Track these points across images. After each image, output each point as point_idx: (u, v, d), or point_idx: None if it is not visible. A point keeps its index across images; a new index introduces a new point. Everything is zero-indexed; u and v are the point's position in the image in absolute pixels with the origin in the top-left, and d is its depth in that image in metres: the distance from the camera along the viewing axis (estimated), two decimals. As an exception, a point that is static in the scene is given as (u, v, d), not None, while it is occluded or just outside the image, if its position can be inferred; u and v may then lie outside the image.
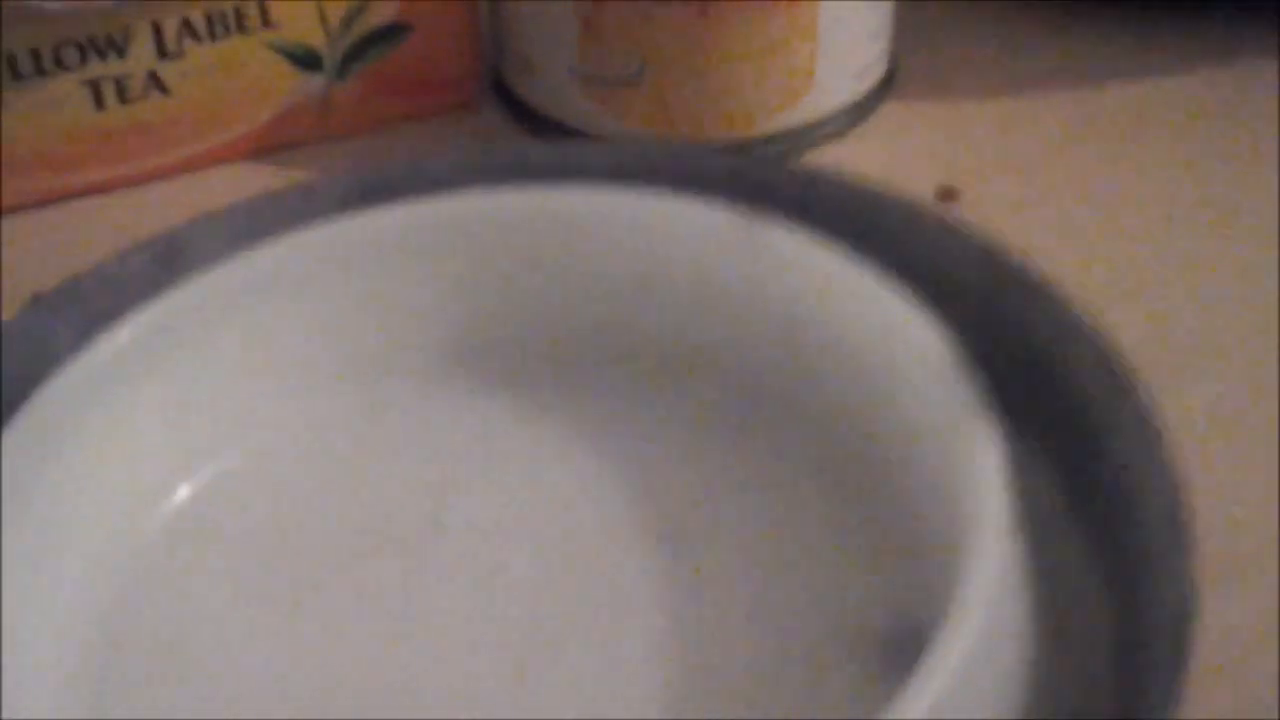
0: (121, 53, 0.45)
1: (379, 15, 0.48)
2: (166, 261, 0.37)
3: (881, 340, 0.31)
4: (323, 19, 0.47)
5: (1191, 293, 0.43)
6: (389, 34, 0.49)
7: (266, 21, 0.47)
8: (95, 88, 0.46)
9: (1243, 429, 0.38)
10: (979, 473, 0.27)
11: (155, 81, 0.46)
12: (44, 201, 0.47)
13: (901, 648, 0.29)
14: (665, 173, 0.36)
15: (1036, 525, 0.29)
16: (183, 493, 0.34)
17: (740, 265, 0.33)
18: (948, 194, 0.47)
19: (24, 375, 0.34)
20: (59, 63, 0.45)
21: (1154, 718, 0.25)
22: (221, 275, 0.34)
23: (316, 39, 0.48)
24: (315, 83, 0.49)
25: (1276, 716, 0.32)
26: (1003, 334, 0.33)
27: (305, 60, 0.48)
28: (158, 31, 0.45)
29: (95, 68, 0.45)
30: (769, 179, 0.36)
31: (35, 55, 0.44)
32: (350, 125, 0.49)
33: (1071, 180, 0.47)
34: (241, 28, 0.46)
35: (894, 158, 0.49)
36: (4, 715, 0.28)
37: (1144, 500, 0.28)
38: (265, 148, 0.49)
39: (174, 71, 0.46)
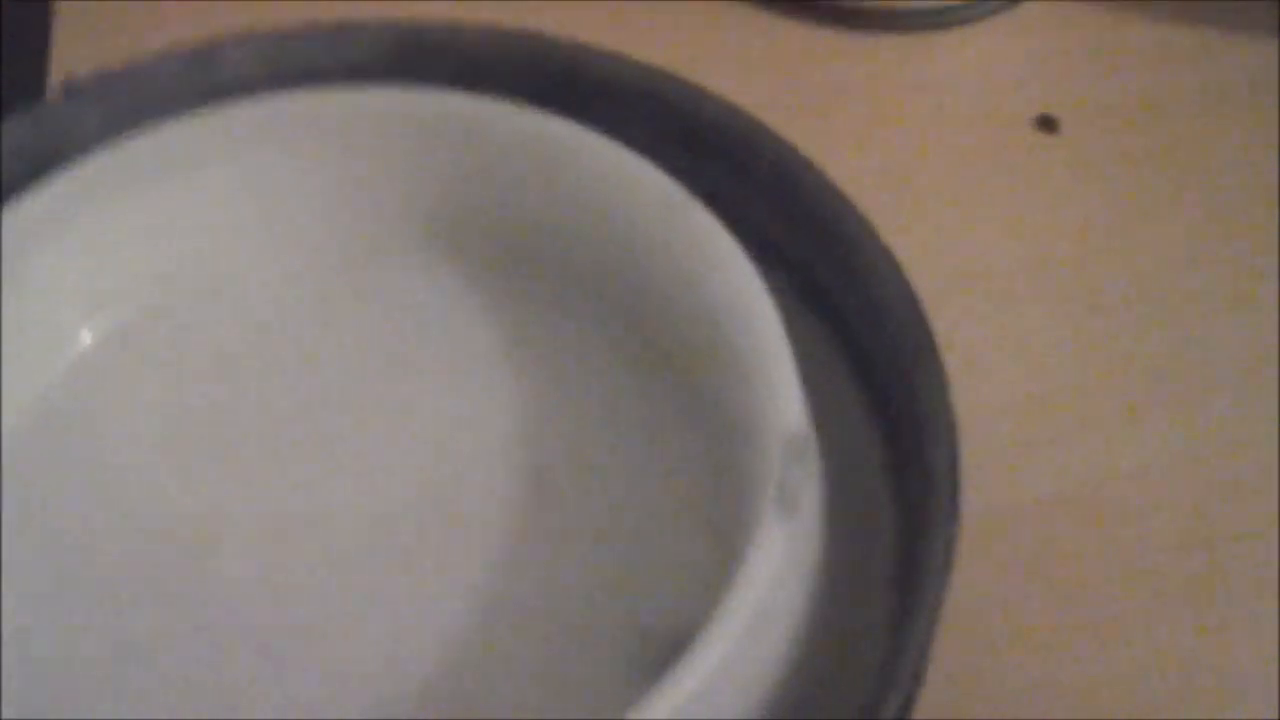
0: None
1: None
2: (200, 69, 0.35)
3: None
4: None
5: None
6: None
7: None
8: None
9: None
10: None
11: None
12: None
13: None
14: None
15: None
16: (85, 338, 0.33)
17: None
18: (1046, 123, 0.43)
19: (49, 156, 0.33)
20: None
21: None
22: (150, 141, 0.33)
23: None
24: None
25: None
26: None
27: None
28: None
29: None
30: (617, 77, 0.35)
31: None
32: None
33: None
34: None
35: (1010, 63, 0.46)
36: None
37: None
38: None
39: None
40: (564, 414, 0.31)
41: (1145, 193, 0.42)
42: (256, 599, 0.29)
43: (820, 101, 0.44)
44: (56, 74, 0.44)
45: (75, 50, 0.45)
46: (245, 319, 0.33)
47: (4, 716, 0.28)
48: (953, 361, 0.29)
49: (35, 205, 0.31)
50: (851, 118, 0.44)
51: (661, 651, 0.26)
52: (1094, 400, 0.38)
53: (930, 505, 0.27)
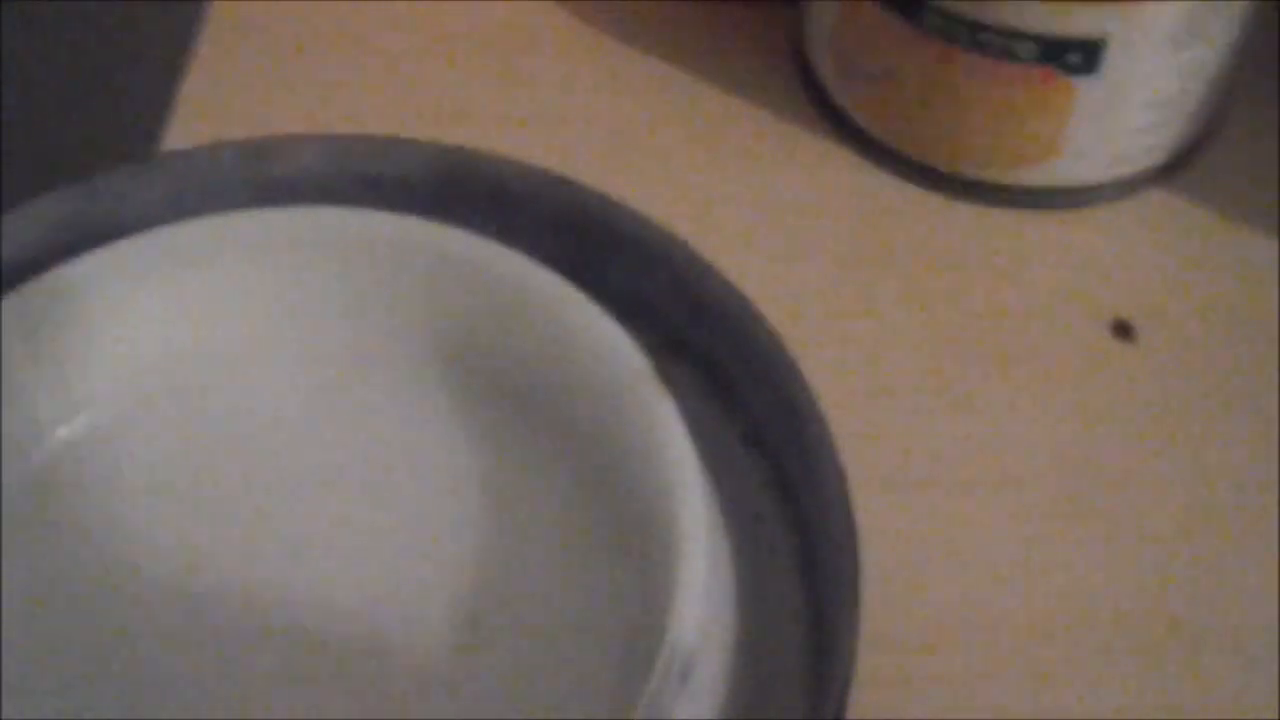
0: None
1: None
2: (258, 162, 0.36)
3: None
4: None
5: None
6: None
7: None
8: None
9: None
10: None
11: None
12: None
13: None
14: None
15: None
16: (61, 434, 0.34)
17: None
18: (1122, 328, 0.42)
19: (103, 228, 0.35)
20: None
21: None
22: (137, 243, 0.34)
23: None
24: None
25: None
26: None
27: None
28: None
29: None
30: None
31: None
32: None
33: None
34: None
35: (1108, 255, 0.44)
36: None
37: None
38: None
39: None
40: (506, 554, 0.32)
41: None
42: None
43: (902, 260, 0.44)
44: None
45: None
46: (235, 412, 0.34)
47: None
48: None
49: (45, 287, 0.33)
50: (931, 282, 0.43)
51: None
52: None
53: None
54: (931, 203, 0.45)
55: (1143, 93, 0.42)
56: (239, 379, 0.34)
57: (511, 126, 0.47)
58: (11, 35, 0.49)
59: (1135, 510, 0.39)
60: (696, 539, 0.28)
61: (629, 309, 0.35)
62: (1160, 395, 0.41)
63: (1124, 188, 0.45)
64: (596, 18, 0.50)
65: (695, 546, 0.28)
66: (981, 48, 0.41)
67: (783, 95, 0.48)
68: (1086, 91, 0.41)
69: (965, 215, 0.45)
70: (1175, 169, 0.45)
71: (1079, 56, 0.40)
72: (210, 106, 0.47)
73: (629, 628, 0.29)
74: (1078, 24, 0.39)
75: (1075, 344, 0.42)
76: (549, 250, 0.35)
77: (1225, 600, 0.37)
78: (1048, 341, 0.42)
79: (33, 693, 0.30)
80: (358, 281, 0.34)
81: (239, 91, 0.48)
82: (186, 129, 0.46)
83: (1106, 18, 0.39)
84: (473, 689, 0.29)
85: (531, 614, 0.30)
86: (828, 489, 0.29)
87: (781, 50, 0.49)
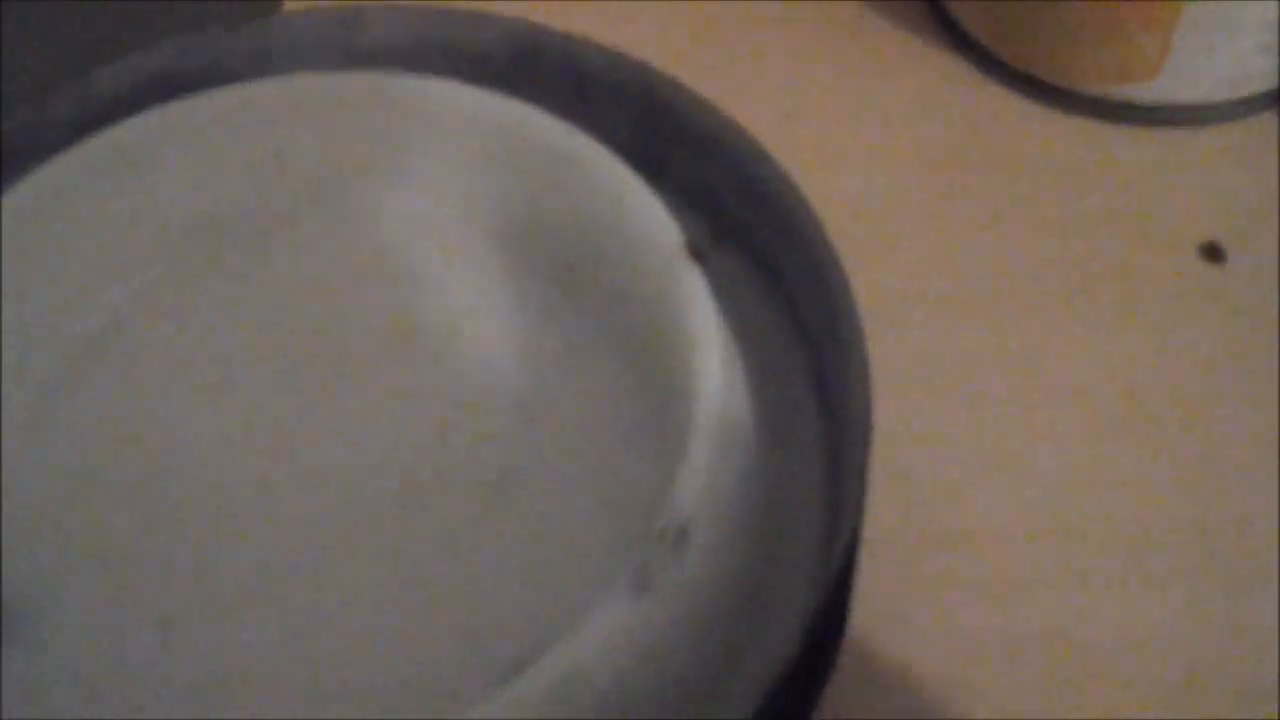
0: None
1: None
2: (345, 28, 0.37)
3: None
4: None
5: None
6: None
7: None
8: None
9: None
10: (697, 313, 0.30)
11: None
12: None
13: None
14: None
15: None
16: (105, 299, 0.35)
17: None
18: (1211, 250, 0.41)
19: (189, 86, 0.37)
20: None
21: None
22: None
23: None
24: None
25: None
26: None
27: None
28: None
29: None
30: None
31: None
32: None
33: None
34: None
35: (1208, 177, 0.43)
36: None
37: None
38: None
39: None
40: (537, 421, 0.32)
41: None
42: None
43: (997, 168, 0.43)
44: None
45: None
46: (281, 271, 0.35)
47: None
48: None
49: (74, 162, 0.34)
50: (1022, 191, 0.43)
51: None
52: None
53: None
54: (1035, 113, 0.44)
55: (1256, 13, 0.40)
56: (288, 239, 0.35)
57: (626, 12, 0.48)
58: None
59: (1199, 432, 0.38)
60: (709, 414, 0.28)
61: (689, 194, 0.35)
62: (1240, 321, 0.40)
63: (1236, 110, 0.43)
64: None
65: (707, 421, 0.28)
66: (1088, -44, 0.40)
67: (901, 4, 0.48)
68: (1195, 8, 0.40)
69: (1068, 128, 0.44)
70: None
71: (1188, -30, 0.39)
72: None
73: (646, 493, 0.30)
74: (1187, -65, 0.39)
75: (1160, 262, 0.41)
76: (620, 132, 0.36)
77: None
78: (1132, 257, 0.41)
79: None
80: (408, 147, 0.35)
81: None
82: None
83: (1217, -70, 0.38)
84: (493, 551, 0.30)
85: (555, 483, 0.31)
86: (852, 381, 0.29)
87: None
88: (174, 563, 0.31)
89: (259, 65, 0.37)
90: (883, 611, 0.36)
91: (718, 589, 0.28)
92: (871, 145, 0.44)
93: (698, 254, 0.31)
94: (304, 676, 0.29)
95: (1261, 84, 0.43)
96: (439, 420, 0.32)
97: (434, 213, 0.35)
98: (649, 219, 0.32)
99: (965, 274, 0.41)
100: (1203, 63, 0.42)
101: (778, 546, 0.30)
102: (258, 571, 0.31)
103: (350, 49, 0.37)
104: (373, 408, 0.33)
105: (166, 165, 0.34)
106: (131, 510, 0.32)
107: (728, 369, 0.29)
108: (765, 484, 0.31)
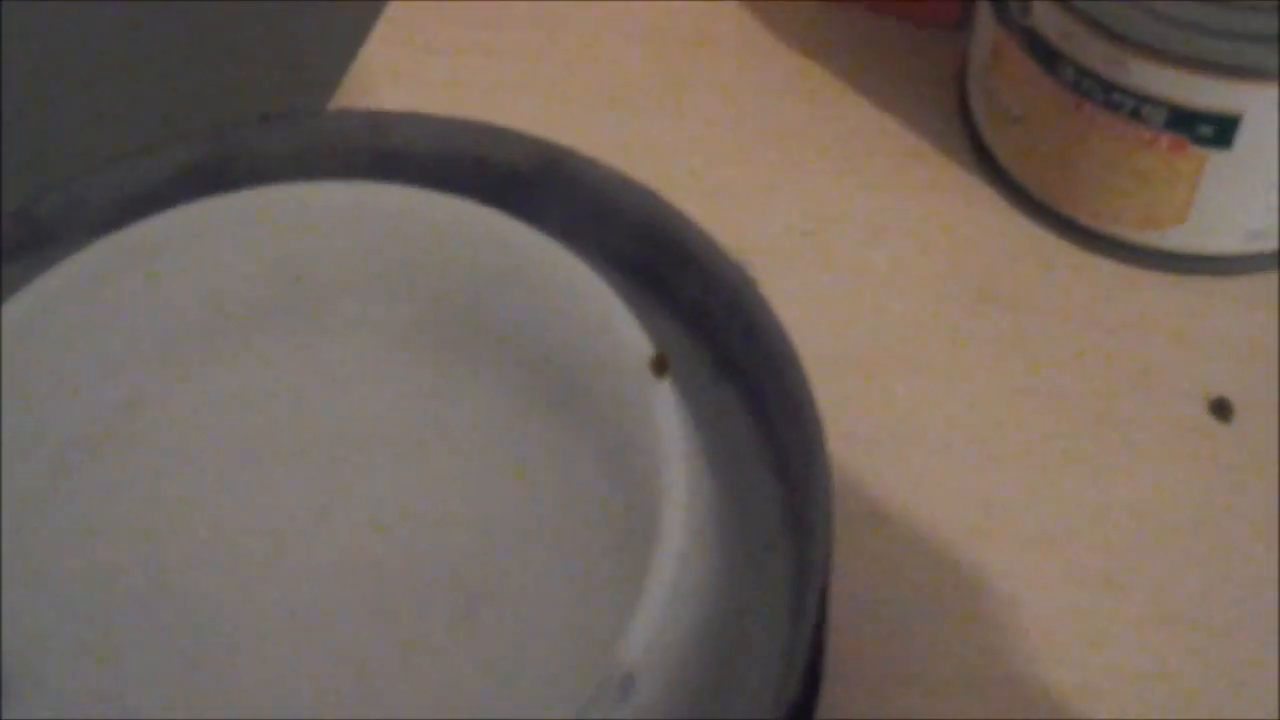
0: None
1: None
2: (374, 131, 0.39)
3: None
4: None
5: None
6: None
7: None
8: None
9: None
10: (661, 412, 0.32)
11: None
12: None
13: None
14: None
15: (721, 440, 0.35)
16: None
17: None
18: (1220, 406, 0.41)
19: (222, 175, 0.38)
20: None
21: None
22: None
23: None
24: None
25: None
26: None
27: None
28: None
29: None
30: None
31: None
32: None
33: None
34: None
35: (1225, 329, 0.43)
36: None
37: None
38: None
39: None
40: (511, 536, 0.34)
41: None
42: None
43: (1013, 301, 0.44)
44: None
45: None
46: (264, 376, 0.37)
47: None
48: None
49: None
50: (1036, 326, 0.43)
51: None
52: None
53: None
54: (1060, 250, 0.45)
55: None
56: (269, 344, 0.37)
57: (668, 114, 0.49)
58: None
59: (1180, 591, 0.38)
60: (669, 555, 0.29)
61: (688, 320, 0.36)
62: (1240, 482, 0.40)
63: (1259, 263, 0.44)
64: (774, 20, 0.51)
65: (666, 562, 0.29)
66: (1114, 107, 0.40)
67: (940, 123, 0.48)
68: (1219, 164, 0.40)
69: (1091, 267, 0.44)
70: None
71: (1211, 129, 0.39)
72: (387, 71, 0.50)
73: (605, 629, 0.31)
74: (1209, 97, 0.39)
75: (1168, 414, 0.41)
76: (627, 254, 0.37)
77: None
78: (1141, 407, 0.41)
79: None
80: (388, 255, 0.36)
81: (419, 58, 0.50)
82: (359, 88, 0.49)
83: (1241, 94, 0.38)
84: (450, 676, 0.31)
85: (520, 610, 0.32)
86: (816, 517, 0.30)
87: (948, 80, 0.49)
88: (159, 641, 0.33)
89: (289, 161, 0.38)
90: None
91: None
92: (892, 267, 0.45)
93: (663, 366, 0.32)
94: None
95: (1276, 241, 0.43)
96: (416, 531, 0.33)
97: (416, 321, 0.36)
98: (620, 330, 0.33)
99: (970, 407, 0.42)
100: (1227, 214, 0.42)
101: (735, 678, 0.31)
102: (236, 654, 0.32)
103: (377, 153, 0.38)
104: (360, 508, 0.34)
105: (185, 261, 0.36)
106: (130, 582, 0.34)
107: (694, 487, 0.30)
108: (724, 618, 0.31)
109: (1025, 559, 0.39)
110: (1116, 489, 0.40)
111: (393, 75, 0.50)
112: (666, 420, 0.31)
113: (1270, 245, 0.43)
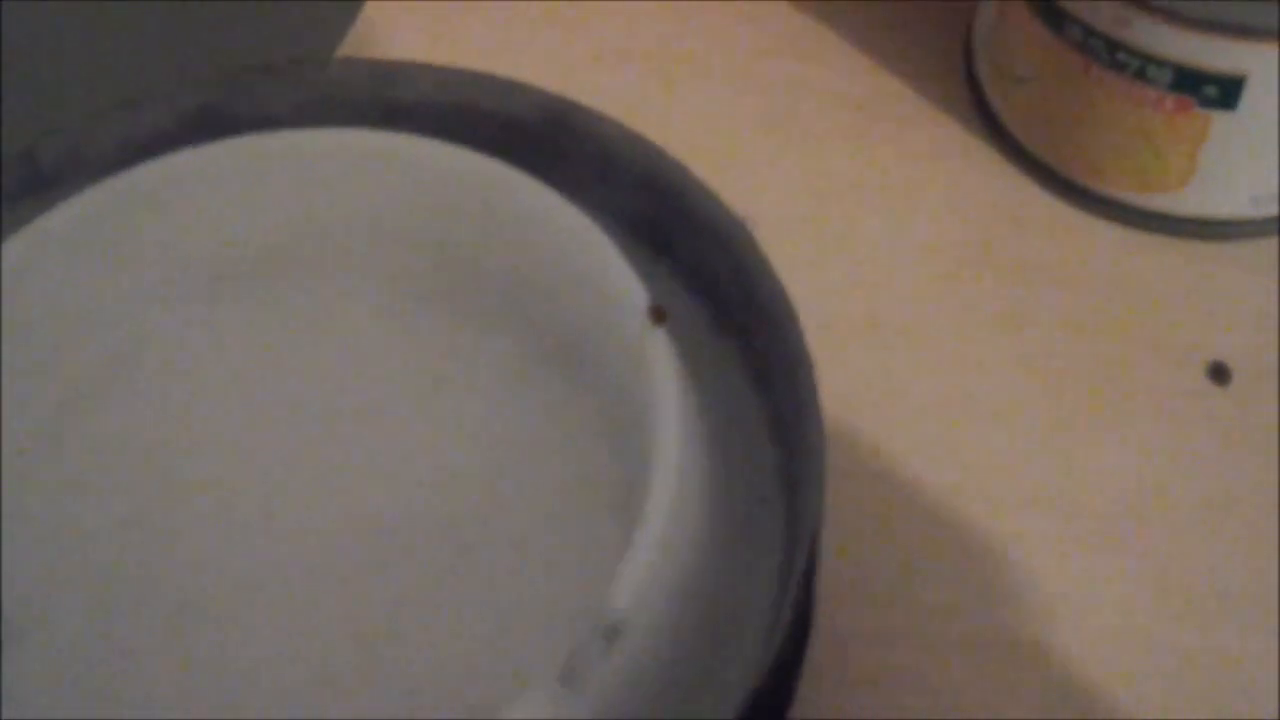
0: None
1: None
2: (379, 81, 0.39)
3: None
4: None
5: None
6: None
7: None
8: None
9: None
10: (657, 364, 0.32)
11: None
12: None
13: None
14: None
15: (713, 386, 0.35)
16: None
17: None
18: (1218, 371, 0.41)
19: (226, 122, 0.38)
20: None
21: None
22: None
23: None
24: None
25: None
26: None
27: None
28: None
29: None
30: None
31: None
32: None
33: None
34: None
35: (1226, 293, 0.43)
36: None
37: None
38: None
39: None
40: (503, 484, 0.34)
41: None
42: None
43: (1015, 264, 0.44)
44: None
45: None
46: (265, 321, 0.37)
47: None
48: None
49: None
50: (1037, 288, 0.43)
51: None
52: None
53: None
54: (1063, 213, 0.45)
55: (1282, 135, 0.41)
56: (271, 291, 0.37)
57: (674, 76, 0.49)
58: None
59: (1180, 547, 0.39)
60: (660, 508, 0.29)
61: (689, 277, 0.37)
62: (1237, 448, 0.40)
63: (1260, 228, 0.44)
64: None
65: (658, 516, 0.29)
66: (1119, 67, 0.40)
67: (945, 88, 0.48)
68: (1223, 126, 0.40)
69: (1094, 230, 0.44)
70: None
71: (1216, 90, 0.39)
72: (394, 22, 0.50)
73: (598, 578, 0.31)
74: (1215, 58, 0.39)
75: (1166, 378, 0.41)
76: (630, 209, 0.37)
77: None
78: (1140, 371, 0.41)
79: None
80: (391, 202, 0.36)
81: (427, 9, 0.50)
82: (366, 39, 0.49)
83: (1246, 55, 0.38)
84: (445, 624, 0.32)
85: (515, 558, 0.32)
86: (808, 478, 0.31)
87: (954, 45, 0.49)
88: (156, 587, 0.33)
89: (293, 110, 0.38)
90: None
91: (652, 682, 0.29)
92: (894, 231, 0.45)
93: (660, 316, 0.32)
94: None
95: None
96: (413, 483, 0.34)
97: (417, 269, 0.37)
98: (616, 280, 0.33)
99: (970, 369, 0.42)
100: (1228, 178, 0.42)
101: (726, 630, 0.31)
102: (232, 598, 0.33)
103: (381, 103, 0.38)
104: (359, 456, 0.34)
105: (188, 205, 0.36)
106: (131, 523, 0.34)
107: (686, 437, 0.30)
108: (716, 571, 0.31)
109: (1020, 521, 0.39)
110: (1112, 452, 0.40)
111: (399, 27, 0.50)
112: (660, 367, 0.31)
113: (1274, 210, 0.43)
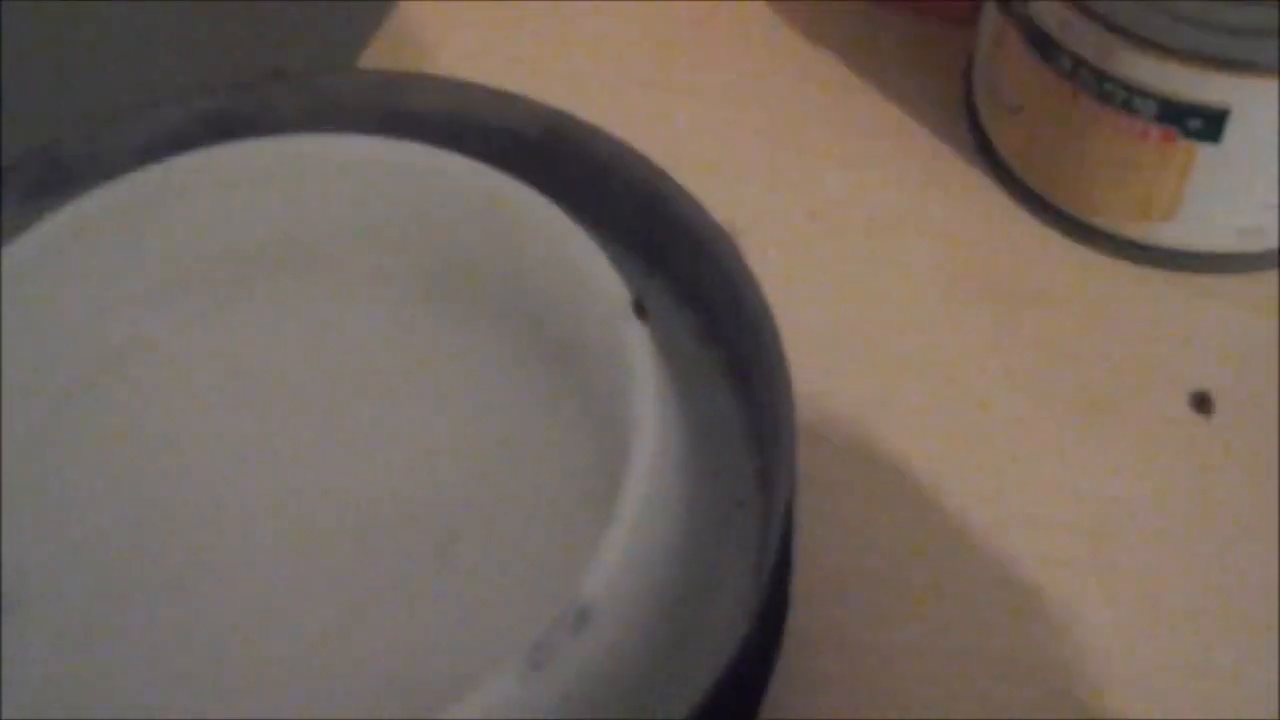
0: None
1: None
2: (386, 91, 0.40)
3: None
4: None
5: None
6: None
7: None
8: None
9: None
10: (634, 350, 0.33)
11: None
12: None
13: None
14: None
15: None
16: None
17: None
18: (1201, 400, 0.42)
19: (238, 127, 0.39)
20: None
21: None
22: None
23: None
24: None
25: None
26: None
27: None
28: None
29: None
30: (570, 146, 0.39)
31: None
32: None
33: None
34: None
35: (1211, 326, 0.44)
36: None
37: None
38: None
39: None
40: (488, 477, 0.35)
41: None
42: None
43: (1002, 290, 0.45)
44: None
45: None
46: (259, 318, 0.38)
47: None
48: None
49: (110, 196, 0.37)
50: (1025, 317, 0.44)
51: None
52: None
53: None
54: (1054, 242, 0.46)
55: (1267, 168, 0.41)
56: (267, 290, 0.38)
57: (676, 101, 0.50)
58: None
59: (1152, 573, 0.40)
60: (635, 494, 0.30)
61: (678, 289, 0.38)
62: (1216, 474, 0.41)
63: (1246, 263, 0.44)
64: (793, 14, 0.52)
65: (632, 502, 0.30)
66: (1106, 98, 0.41)
67: (945, 115, 0.49)
68: (1208, 158, 0.41)
69: (1083, 260, 0.45)
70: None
71: (1200, 123, 0.40)
72: (413, 37, 0.51)
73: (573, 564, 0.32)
74: (1199, 90, 0.40)
75: (1150, 407, 0.42)
76: (623, 216, 0.38)
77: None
78: (1124, 398, 0.42)
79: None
80: (387, 206, 0.37)
81: (445, 28, 0.52)
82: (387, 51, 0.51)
83: (1229, 88, 0.39)
84: (425, 610, 0.33)
85: (495, 546, 0.33)
86: (780, 475, 0.32)
87: (955, 74, 0.50)
88: (151, 571, 0.34)
89: (303, 117, 0.40)
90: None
91: (620, 670, 0.30)
92: (889, 256, 0.46)
93: (641, 311, 0.33)
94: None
95: (1272, 240, 0.44)
96: (402, 474, 0.35)
97: (409, 270, 0.38)
98: (598, 276, 0.34)
99: (958, 392, 0.43)
100: (1214, 211, 0.43)
101: (697, 625, 0.32)
102: (224, 580, 0.34)
103: (388, 112, 0.40)
104: (349, 449, 0.36)
105: (189, 206, 0.37)
106: (127, 512, 0.35)
107: (663, 430, 0.31)
108: (690, 566, 0.32)
109: (1002, 540, 0.40)
110: (1095, 477, 0.41)
111: (418, 42, 0.51)
112: (639, 359, 0.32)
113: (1260, 244, 0.44)
